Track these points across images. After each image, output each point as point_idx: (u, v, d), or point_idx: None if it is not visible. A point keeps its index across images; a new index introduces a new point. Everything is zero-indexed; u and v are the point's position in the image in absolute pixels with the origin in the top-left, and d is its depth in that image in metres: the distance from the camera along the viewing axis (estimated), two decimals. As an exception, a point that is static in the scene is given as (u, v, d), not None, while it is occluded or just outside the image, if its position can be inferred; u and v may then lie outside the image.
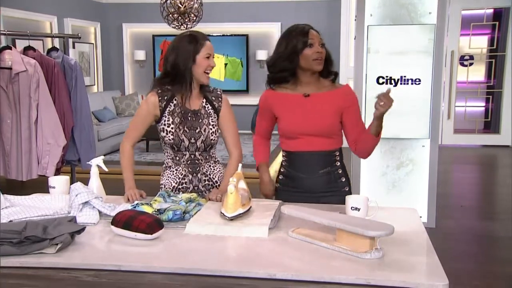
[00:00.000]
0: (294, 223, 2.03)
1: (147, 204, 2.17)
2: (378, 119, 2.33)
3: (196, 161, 2.54)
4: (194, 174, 2.57)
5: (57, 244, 1.79)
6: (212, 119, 2.54)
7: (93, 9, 9.73)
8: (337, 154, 2.51)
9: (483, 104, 9.19)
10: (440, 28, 4.56)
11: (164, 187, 2.57)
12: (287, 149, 2.51)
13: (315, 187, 2.47)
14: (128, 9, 10.12)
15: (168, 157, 2.59)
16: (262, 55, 9.43)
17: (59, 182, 2.39)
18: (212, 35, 9.68)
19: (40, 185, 2.42)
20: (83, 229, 1.90)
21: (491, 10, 8.75)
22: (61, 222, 1.90)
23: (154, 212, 2.09)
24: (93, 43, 9.73)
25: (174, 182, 2.57)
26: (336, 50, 9.15)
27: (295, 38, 2.40)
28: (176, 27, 7.61)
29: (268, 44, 9.47)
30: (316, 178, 2.46)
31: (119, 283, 1.73)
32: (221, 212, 2.07)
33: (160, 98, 2.50)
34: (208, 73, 2.48)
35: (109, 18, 10.14)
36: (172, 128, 2.49)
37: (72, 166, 4.36)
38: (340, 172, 2.52)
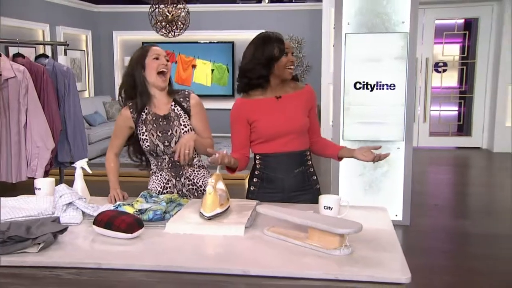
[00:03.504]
0: (270, 222, 2.03)
1: (129, 204, 2.16)
2: (354, 157, 2.44)
3: (177, 163, 2.53)
4: (178, 179, 2.56)
5: (39, 244, 1.78)
6: (182, 119, 2.52)
7: (84, 18, 9.67)
8: (308, 153, 2.53)
9: (456, 108, 9.28)
10: (413, 36, 4.60)
11: (151, 191, 2.55)
12: (263, 151, 2.46)
13: (291, 186, 2.46)
14: (119, 17, 10.09)
15: (152, 163, 2.61)
16: (247, 61, 9.41)
17: (44, 184, 2.37)
18: (199, 42, 9.69)
19: (30, 187, 2.42)
20: (65, 229, 1.89)
21: (462, 20, 8.86)
22: (44, 223, 1.89)
23: (135, 212, 2.08)
24: (84, 50, 9.68)
25: (159, 186, 2.57)
26: (318, 56, 9.21)
27: (271, 45, 2.37)
28: (164, 34, 7.59)
29: (253, 51, 9.46)
30: (292, 177, 2.46)
31: (99, 280, 1.73)
32: (200, 212, 2.07)
33: (131, 110, 2.52)
34: (162, 74, 2.47)
35: (100, 26, 10.09)
36: (146, 135, 2.49)
37: (62, 168, 4.34)
38: (312, 170, 2.53)
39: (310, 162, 2.53)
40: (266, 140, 2.44)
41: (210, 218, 2.04)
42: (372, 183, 4.92)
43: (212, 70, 9.78)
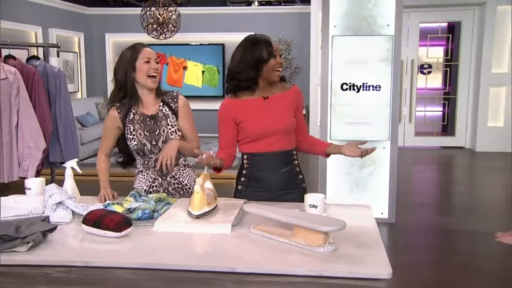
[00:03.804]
0: (256, 220, 2.03)
1: (118, 203, 2.15)
2: (341, 153, 2.44)
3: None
4: (164, 178, 2.56)
5: (28, 243, 1.77)
6: (170, 119, 2.52)
7: (77, 20, 9.62)
8: (294, 153, 2.53)
9: (441, 109, 9.34)
10: (397, 38, 4.63)
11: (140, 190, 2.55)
12: (250, 151, 2.46)
13: (278, 185, 2.46)
14: (111, 20, 10.04)
15: (139, 162, 2.60)
16: (237, 63, 9.44)
17: (34, 183, 2.36)
18: (190, 44, 9.67)
19: (22, 187, 2.40)
20: (54, 228, 1.88)
21: (446, 24, 8.91)
22: (34, 222, 1.87)
23: (124, 211, 2.08)
24: (77, 52, 9.62)
25: (145, 185, 2.57)
26: (306, 58, 9.23)
27: (260, 48, 2.36)
28: (155, 36, 7.56)
29: (242, 53, 9.48)
30: (279, 177, 2.46)
31: (88, 278, 1.73)
32: (188, 211, 2.07)
33: (119, 111, 2.51)
34: (153, 77, 2.45)
35: (93, 29, 10.04)
36: (134, 135, 2.49)
37: (54, 168, 4.31)
38: (298, 170, 2.53)
39: (297, 162, 2.54)
40: (253, 139, 2.43)
41: (198, 217, 2.04)
42: (358, 182, 4.94)
43: (203, 72, 9.77)
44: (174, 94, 2.59)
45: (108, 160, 2.61)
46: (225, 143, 2.49)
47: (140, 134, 2.48)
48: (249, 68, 2.36)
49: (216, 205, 2.17)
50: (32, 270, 1.74)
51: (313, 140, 2.64)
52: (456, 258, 4.05)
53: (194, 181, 2.57)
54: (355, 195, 4.91)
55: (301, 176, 2.55)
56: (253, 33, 2.54)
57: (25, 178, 3.66)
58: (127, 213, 2.06)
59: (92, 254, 1.78)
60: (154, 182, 2.56)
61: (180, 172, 2.60)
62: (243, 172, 2.51)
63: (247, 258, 1.74)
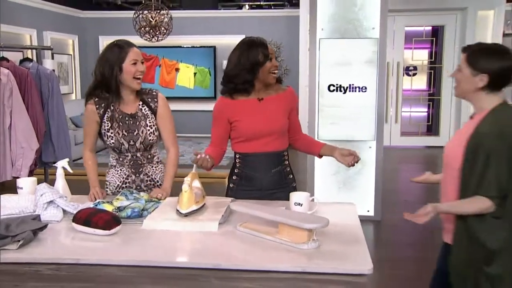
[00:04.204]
0: (243, 218, 2.03)
1: (108, 202, 2.14)
2: (333, 157, 2.46)
3: (138, 161, 2.51)
4: (137, 175, 2.53)
5: (19, 241, 1.76)
6: (149, 120, 2.48)
7: (71, 23, 9.56)
8: (286, 154, 2.52)
9: (426, 109, 9.38)
10: (382, 41, 4.65)
11: (109, 184, 2.53)
12: (243, 151, 2.45)
13: (268, 185, 2.46)
14: (104, 22, 9.99)
15: (113, 158, 2.56)
16: (228, 65, 9.45)
17: (26, 183, 2.34)
18: (182, 47, 9.65)
19: (16, 186, 2.39)
20: (45, 226, 1.87)
21: (430, 28, 8.97)
22: (24, 220, 1.87)
23: (114, 210, 2.07)
24: (71, 54, 9.56)
25: (118, 181, 2.53)
26: (296, 60, 9.24)
27: (256, 51, 2.34)
28: (148, 39, 7.54)
29: (233, 55, 9.49)
30: (269, 177, 2.45)
31: (78, 275, 1.72)
32: (177, 209, 2.07)
33: (97, 106, 2.45)
34: (138, 78, 2.40)
35: (87, 31, 9.98)
36: (111, 133, 2.44)
37: (47, 168, 4.28)
38: (288, 170, 2.53)
39: (287, 162, 2.53)
40: (246, 139, 2.42)
41: (186, 215, 2.04)
42: (345, 181, 4.95)
43: (195, 73, 9.74)
44: (154, 93, 2.54)
45: (94, 156, 2.56)
46: (217, 140, 2.50)
47: (118, 133, 2.44)
48: (245, 72, 2.34)
49: (204, 204, 2.17)
50: (22, 268, 1.73)
51: (309, 140, 2.65)
52: (437, 254, 4.07)
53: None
54: (343, 194, 4.93)
55: (291, 176, 2.55)
56: (244, 35, 2.53)
57: (18, 177, 3.64)
58: (117, 212, 2.06)
59: (81, 251, 1.78)
60: (128, 179, 2.53)
61: (153, 169, 2.57)
62: (235, 171, 2.51)
63: (233, 255, 1.74)
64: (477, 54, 1.96)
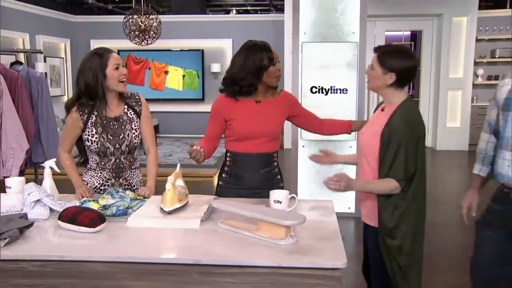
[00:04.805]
0: (225, 215, 2.03)
1: (94, 200, 2.13)
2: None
3: (121, 165, 2.47)
4: (117, 179, 2.49)
5: (5, 239, 1.74)
6: (134, 123, 2.46)
7: (63, 27, 9.47)
8: (275, 155, 2.51)
9: (405, 110, 9.46)
10: (362, 45, 4.67)
11: (87, 184, 2.49)
12: (235, 150, 2.44)
13: (256, 184, 2.45)
14: (95, 27, 9.92)
15: (93, 161, 2.49)
16: (216, 67, 9.46)
17: (15, 182, 2.31)
18: (171, 50, 9.61)
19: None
20: (31, 224, 1.85)
21: (409, 32, 9.05)
22: (12, 219, 1.85)
23: (100, 208, 2.05)
24: (63, 58, 9.48)
25: (97, 182, 2.48)
26: (281, 63, 9.16)
27: (261, 54, 2.32)
28: (138, 43, 7.50)
29: (221, 57, 9.49)
30: (258, 176, 2.44)
31: (63, 271, 1.71)
32: (160, 207, 2.06)
33: (81, 113, 2.39)
34: (123, 81, 2.38)
35: (78, 35, 9.90)
36: (96, 138, 2.39)
37: (37, 168, 4.24)
38: (277, 170, 2.52)
39: (276, 163, 2.53)
40: (239, 139, 2.41)
41: (170, 213, 2.03)
42: (327, 179, 4.95)
43: (184, 76, 9.72)
44: (137, 96, 2.52)
45: (71, 157, 2.50)
46: (211, 135, 2.48)
47: (103, 138, 2.38)
48: (251, 75, 2.32)
49: (188, 202, 2.16)
50: (8, 265, 1.71)
51: (334, 122, 2.65)
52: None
53: (141, 182, 2.56)
54: (325, 192, 4.88)
55: (279, 176, 2.54)
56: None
57: (8, 177, 3.60)
58: (102, 210, 2.04)
59: (66, 248, 1.77)
60: (107, 182, 2.48)
61: (131, 174, 2.53)
62: (225, 169, 2.50)
63: (214, 251, 1.74)
64: (387, 55, 2.11)
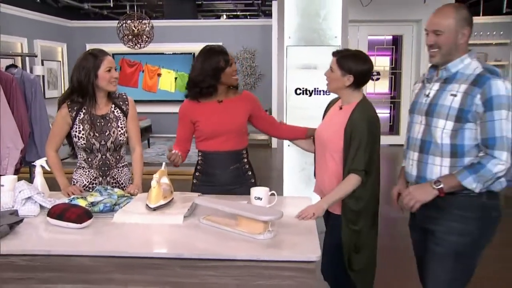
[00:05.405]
0: (207, 212, 2.04)
1: (82, 198, 2.13)
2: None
3: (107, 162, 2.47)
4: (104, 177, 2.48)
5: (-5, 235, 1.74)
6: (121, 122, 2.46)
7: (60, 32, 9.42)
8: (245, 152, 2.53)
9: (388, 111, 9.50)
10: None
11: (76, 182, 2.49)
12: (204, 149, 2.47)
13: (227, 181, 2.47)
14: (91, 31, 9.88)
15: (81, 159, 2.49)
16: (207, 70, 9.44)
17: (7, 181, 2.29)
18: (164, 54, 9.59)
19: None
20: (21, 220, 1.86)
21: (390, 37, 9.10)
22: (2, 215, 1.85)
23: (88, 205, 2.06)
24: (60, 61, 9.43)
25: (85, 181, 2.48)
26: (269, 65, 9.28)
27: (217, 57, 2.36)
28: (131, 46, 7.49)
29: (212, 61, 9.48)
30: (228, 173, 2.46)
31: (50, 265, 1.71)
32: (146, 204, 2.07)
33: (70, 109, 2.40)
34: (113, 82, 2.40)
35: (75, 39, 9.84)
36: (83, 134, 2.40)
37: (31, 167, 4.22)
38: (247, 167, 2.54)
39: (246, 160, 2.54)
40: (207, 138, 2.44)
41: (155, 209, 2.04)
42: (311, 176, 4.96)
43: (176, 78, 9.70)
44: (124, 96, 2.53)
45: (58, 156, 2.49)
46: (181, 138, 2.51)
47: (90, 134, 2.40)
48: (209, 77, 2.36)
49: (172, 198, 2.17)
50: (-2, 260, 1.71)
51: (291, 127, 2.68)
52: (393, 243, 4.14)
53: (129, 180, 2.56)
54: (310, 189, 4.93)
55: (250, 173, 2.55)
56: (221, 43, 2.55)
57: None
58: (90, 207, 2.05)
59: (54, 243, 1.77)
60: (95, 180, 2.48)
61: (119, 172, 2.53)
62: (198, 167, 2.53)
63: (195, 245, 1.75)
64: (345, 59, 2.22)
